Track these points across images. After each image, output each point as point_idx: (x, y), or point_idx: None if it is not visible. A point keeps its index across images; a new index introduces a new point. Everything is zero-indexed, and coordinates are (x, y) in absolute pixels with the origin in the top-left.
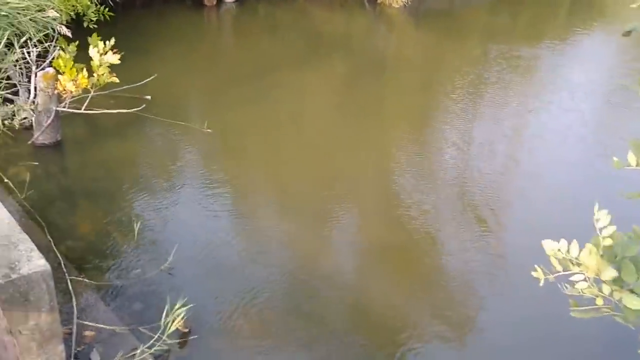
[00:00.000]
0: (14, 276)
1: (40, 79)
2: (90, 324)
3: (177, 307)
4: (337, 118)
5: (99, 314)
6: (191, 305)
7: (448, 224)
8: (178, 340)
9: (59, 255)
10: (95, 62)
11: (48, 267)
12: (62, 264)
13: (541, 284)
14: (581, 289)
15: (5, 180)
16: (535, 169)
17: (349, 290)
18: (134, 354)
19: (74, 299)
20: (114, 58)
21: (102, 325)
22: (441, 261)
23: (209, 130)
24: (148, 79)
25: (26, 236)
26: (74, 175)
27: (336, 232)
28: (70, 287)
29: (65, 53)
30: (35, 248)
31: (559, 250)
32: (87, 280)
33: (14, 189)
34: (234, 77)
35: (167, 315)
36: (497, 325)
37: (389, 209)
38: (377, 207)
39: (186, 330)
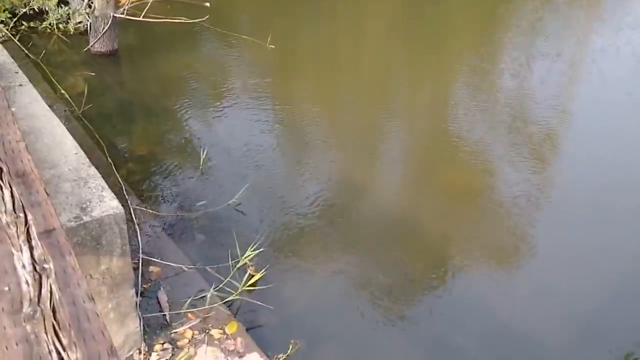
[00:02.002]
0: (85, 219)
1: None
2: (156, 260)
3: (248, 253)
4: (396, 42)
5: (163, 248)
6: (262, 249)
7: (500, 152)
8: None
9: (120, 179)
10: None
11: (121, 209)
12: (124, 190)
13: None
14: None
15: (62, 91)
16: (596, 100)
17: (399, 213)
18: (203, 297)
19: (138, 231)
20: None
21: (169, 263)
22: (491, 187)
23: (271, 46)
24: None
25: (95, 171)
26: (132, 89)
27: (389, 157)
28: (134, 217)
29: None
30: (106, 186)
31: None
32: (150, 210)
33: (72, 102)
34: None
35: (234, 257)
36: (546, 255)
37: (441, 134)
38: (428, 132)
39: (256, 273)
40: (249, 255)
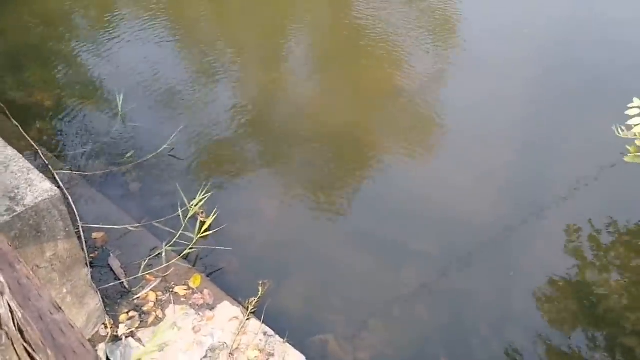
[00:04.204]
0: (18, 209)
1: None
2: (97, 225)
3: (196, 200)
4: None
5: (101, 211)
6: (211, 193)
7: (406, 33)
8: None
9: (33, 144)
10: None
11: (56, 190)
12: (41, 155)
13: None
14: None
15: None
16: None
17: (316, 108)
18: (158, 255)
19: (69, 197)
20: None
21: (112, 226)
22: (401, 71)
23: None
24: None
25: (14, 151)
26: (16, 35)
27: (301, 63)
28: (60, 183)
29: None
30: (31, 166)
31: None
32: (75, 173)
33: None
34: None
35: (181, 207)
36: (459, 137)
37: (346, 24)
38: (334, 31)
39: (207, 219)
40: (198, 203)
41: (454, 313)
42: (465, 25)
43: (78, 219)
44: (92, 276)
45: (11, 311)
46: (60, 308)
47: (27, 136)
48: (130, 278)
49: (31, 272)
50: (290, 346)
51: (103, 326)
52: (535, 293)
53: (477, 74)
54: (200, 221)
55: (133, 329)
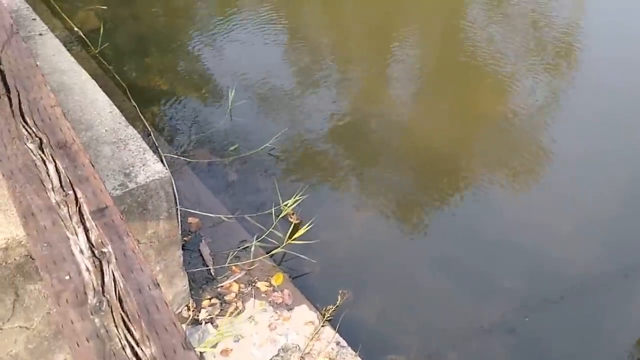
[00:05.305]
0: (131, 185)
1: None
2: (193, 211)
3: (290, 202)
4: None
5: (198, 197)
6: (303, 197)
7: (518, 59)
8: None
9: (147, 125)
10: None
11: (166, 173)
12: (153, 137)
13: None
14: None
15: (75, 29)
16: None
17: (414, 124)
18: (246, 248)
19: (172, 181)
20: None
21: (207, 213)
22: (508, 97)
23: None
24: None
25: (134, 130)
26: (149, 23)
27: (406, 76)
28: (166, 166)
29: None
30: (147, 147)
31: None
32: (182, 158)
33: (87, 41)
34: None
35: (274, 205)
36: (563, 173)
37: (452, 41)
38: (439, 40)
39: (297, 221)
40: (291, 205)
41: (533, 359)
42: (584, 53)
43: (177, 203)
44: (182, 259)
45: (114, 280)
46: (159, 285)
47: (142, 117)
48: (217, 267)
49: (137, 247)
50: None
51: (186, 308)
52: (622, 354)
53: (592, 106)
54: (291, 222)
55: (213, 316)
